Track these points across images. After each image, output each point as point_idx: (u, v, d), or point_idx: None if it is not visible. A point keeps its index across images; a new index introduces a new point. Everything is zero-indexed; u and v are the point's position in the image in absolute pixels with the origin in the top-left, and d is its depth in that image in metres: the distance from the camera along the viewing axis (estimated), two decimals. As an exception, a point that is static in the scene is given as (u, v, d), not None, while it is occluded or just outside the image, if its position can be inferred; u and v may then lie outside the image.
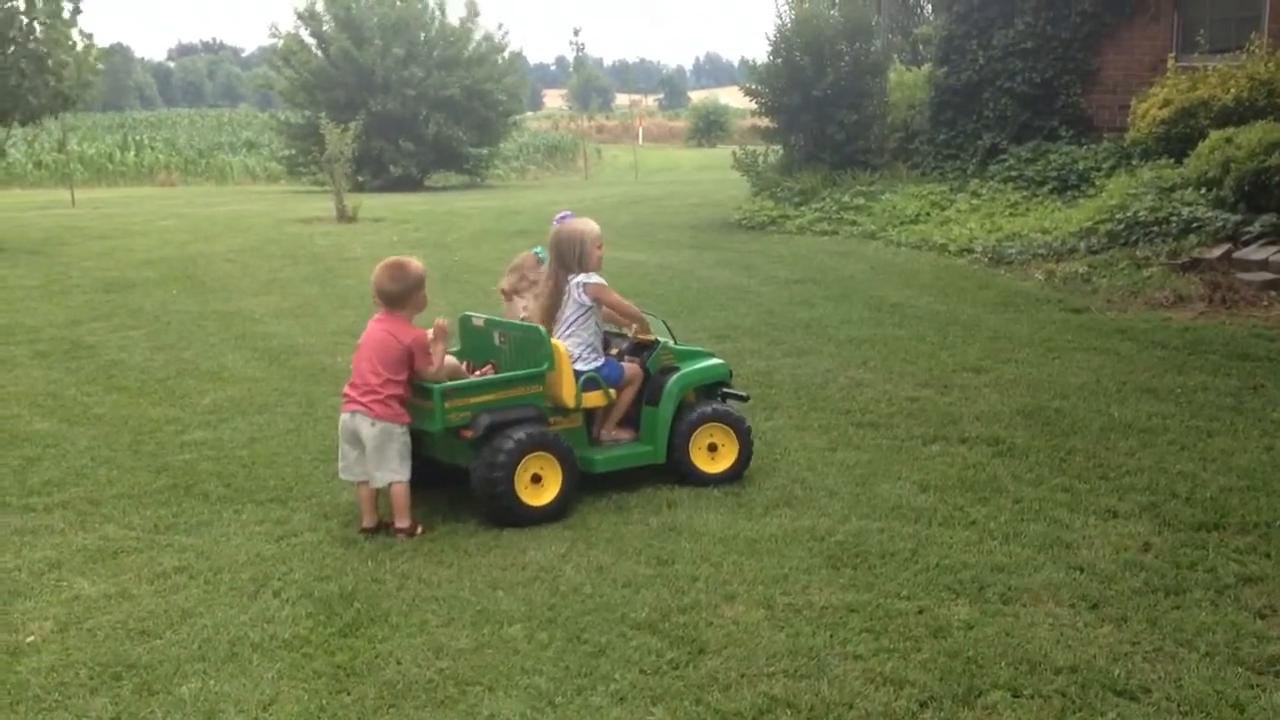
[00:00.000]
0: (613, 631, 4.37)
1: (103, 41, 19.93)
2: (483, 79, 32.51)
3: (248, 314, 11.32)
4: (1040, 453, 6.49)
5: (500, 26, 45.71)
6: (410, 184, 31.28)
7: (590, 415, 6.15)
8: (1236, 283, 10.54)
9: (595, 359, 6.12)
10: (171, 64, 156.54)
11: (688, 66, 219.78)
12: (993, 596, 4.64)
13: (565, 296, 6.17)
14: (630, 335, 6.39)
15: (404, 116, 30.73)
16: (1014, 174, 16.47)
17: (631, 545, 5.24)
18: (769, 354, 9.21)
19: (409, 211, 21.60)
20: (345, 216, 19.69)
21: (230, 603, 4.72)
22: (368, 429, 5.51)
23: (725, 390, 6.49)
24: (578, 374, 5.95)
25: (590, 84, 69.05)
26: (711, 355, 6.55)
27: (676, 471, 6.13)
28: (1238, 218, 11.62)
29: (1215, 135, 12.71)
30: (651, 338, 6.36)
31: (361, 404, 5.52)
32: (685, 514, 5.65)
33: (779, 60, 18.67)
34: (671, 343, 6.43)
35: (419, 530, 5.49)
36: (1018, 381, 8.08)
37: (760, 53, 19.04)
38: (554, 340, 5.93)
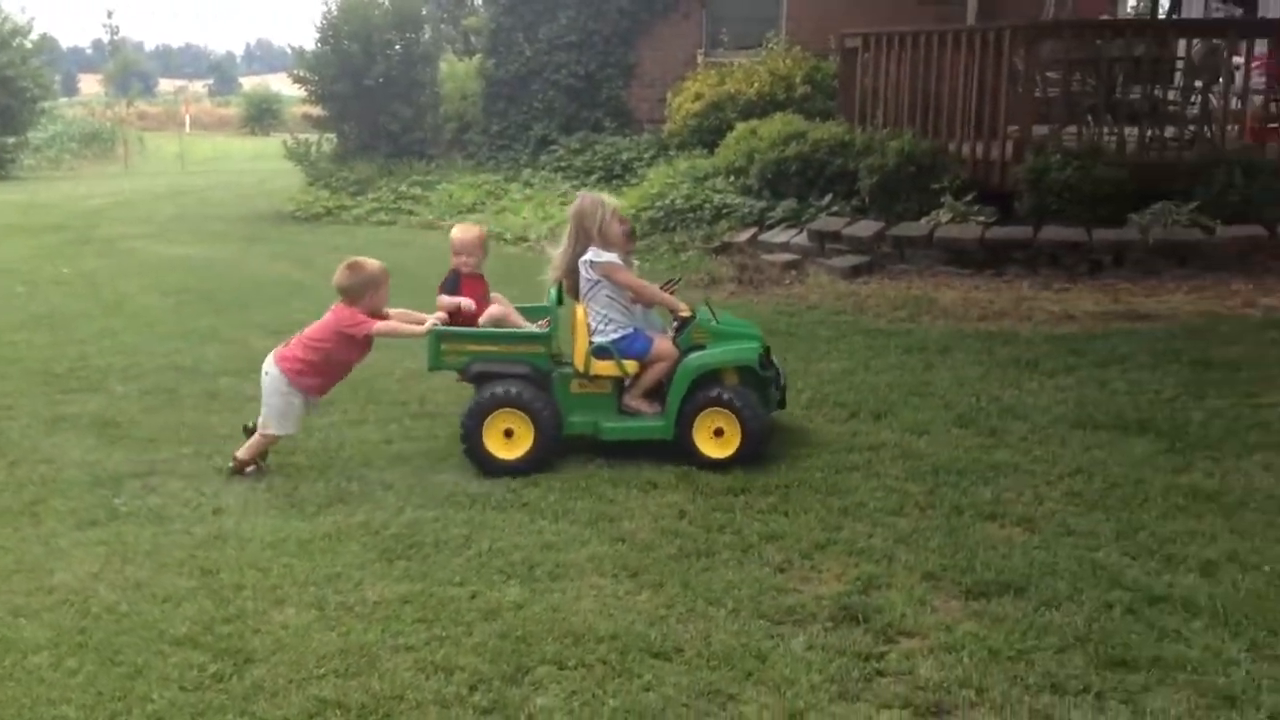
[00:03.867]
0: (150, 650, 4.16)
1: None
2: (4, 65, 29.72)
3: None
4: (588, 432, 6.76)
5: (24, 11, 41.86)
6: (-80, 177, 28.14)
7: (622, 385, 6.27)
8: (762, 264, 11.41)
9: (613, 330, 6.23)
10: None
11: (238, 52, 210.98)
12: (542, 575, 4.79)
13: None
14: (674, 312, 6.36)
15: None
16: (564, 164, 17.03)
17: (172, 557, 4.99)
18: (324, 348, 9.02)
19: (-82, 207, 19.47)
20: None
21: None
22: (268, 375, 6.08)
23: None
24: (593, 343, 6.16)
25: (130, 69, 64.52)
26: (752, 338, 6.38)
27: (683, 451, 6.11)
28: (763, 204, 12.56)
29: (741, 127, 13.69)
30: (687, 314, 6.27)
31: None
32: (233, 520, 5.45)
33: (327, 48, 18.32)
34: (713, 321, 6.33)
35: (248, 469, 6.04)
36: (568, 365, 8.36)
37: (310, 40, 18.61)
38: (577, 306, 6.27)
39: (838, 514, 5.41)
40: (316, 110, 19.33)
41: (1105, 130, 11.07)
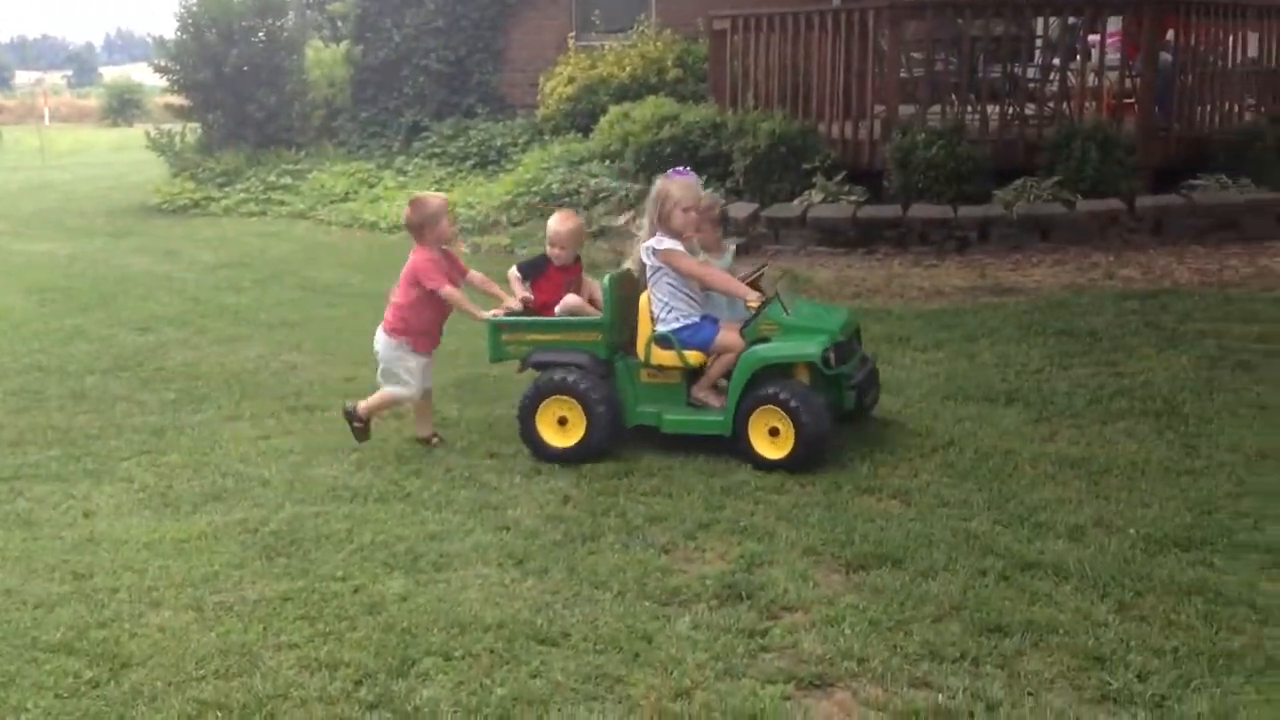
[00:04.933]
0: (22, 658, 4.04)
1: None
2: None
3: None
4: (472, 421, 6.71)
5: None
6: None
7: (694, 376, 6.05)
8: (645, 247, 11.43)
9: (675, 319, 6.00)
10: None
11: (98, 42, 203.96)
12: (426, 565, 4.76)
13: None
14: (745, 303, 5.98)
15: None
16: (438, 150, 16.87)
17: (43, 563, 4.85)
18: (196, 343, 8.84)
19: None
20: None
21: None
22: (378, 342, 6.38)
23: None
24: (655, 331, 5.99)
25: (-18, 61, 62.32)
26: (823, 333, 5.90)
27: (738, 449, 5.82)
28: (639, 187, 12.55)
29: (614, 111, 13.71)
30: (755, 304, 5.91)
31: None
32: (105, 523, 5.32)
33: (187, 36, 17.86)
34: (784, 313, 5.97)
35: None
36: (457, 353, 8.23)
37: (171, 29, 18.11)
38: (643, 294, 6.10)
39: (720, 493, 5.46)
40: (179, 100, 18.85)
41: (969, 109, 11.33)
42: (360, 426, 6.31)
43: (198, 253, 13.03)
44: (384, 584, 4.59)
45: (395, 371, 6.33)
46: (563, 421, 5.98)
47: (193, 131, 18.91)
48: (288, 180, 16.74)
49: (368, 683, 3.86)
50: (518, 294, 6.35)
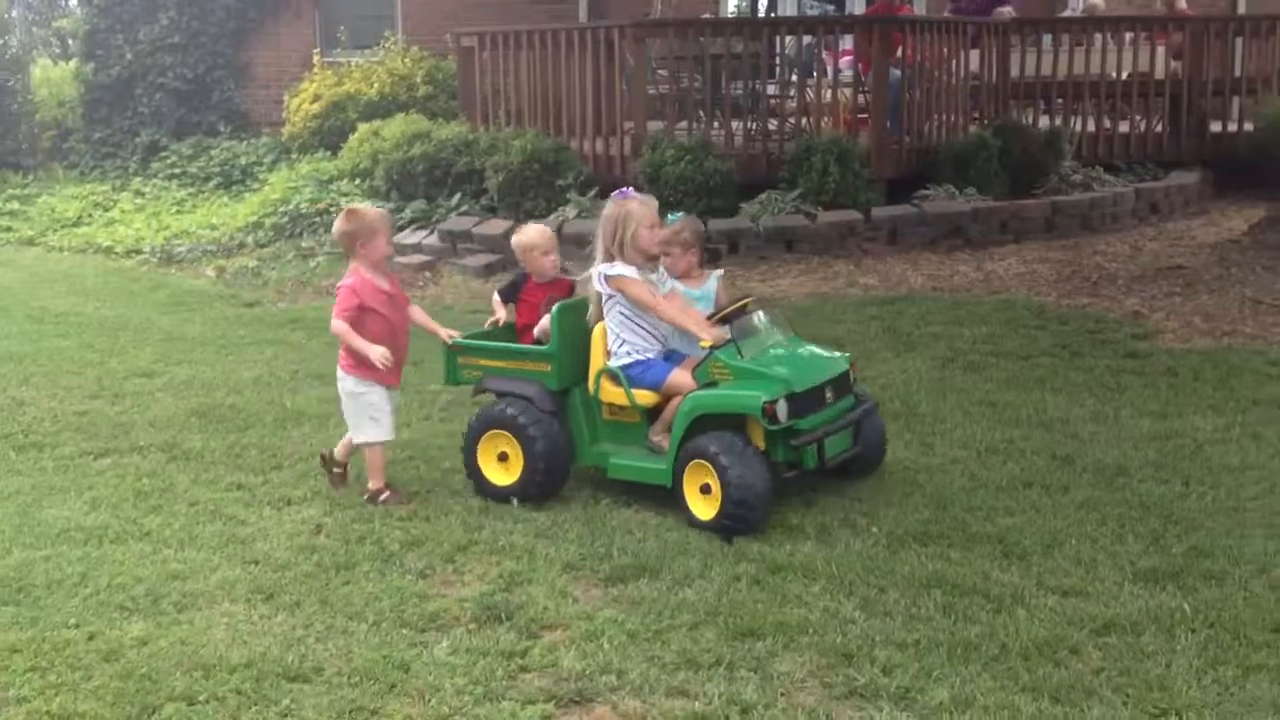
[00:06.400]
0: None
1: None
2: None
3: None
4: (215, 452, 6.45)
5: None
6: None
7: (654, 415, 5.49)
8: (395, 266, 11.24)
9: (626, 354, 5.47)
10: None
11: None
12: (168, 607, 4.56)
13: None
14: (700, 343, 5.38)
15: None
16: (178, 171, 16.19)
17: None
18: (-90, 382, 8.21)
19: None
20: None
21: None
22: (338, 382, 5.78)
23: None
24: (607, 366, 5.51)
25: None
26: (777, 382, 5.18)
27: (679, 504, 5.26)
28: (391, 205, 12.37)
29: (363, 128, 13.45)
30: (707, 345, 5.30)
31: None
32: None
33: (-100, 55, 16.66)
34: (738, 357, 5.28)
35: (384, 496, 5.59)
36: (191, 382, 7.97)
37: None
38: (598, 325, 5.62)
39: (478, 514, 5.42)
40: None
41: (714, 124, 11.61)
42: (339, 473, 5.83)
43: (-87, 284, 12.12)
44: (121, 629, 4.36)
45: (359, 409, 5.68)
46: (503, 457, 5.56)
47: (-93, 157, 17.62)
48: (15, 205, 15.74)
49: (104, 735, 3.65)
50: (498, 315, 5.99)
